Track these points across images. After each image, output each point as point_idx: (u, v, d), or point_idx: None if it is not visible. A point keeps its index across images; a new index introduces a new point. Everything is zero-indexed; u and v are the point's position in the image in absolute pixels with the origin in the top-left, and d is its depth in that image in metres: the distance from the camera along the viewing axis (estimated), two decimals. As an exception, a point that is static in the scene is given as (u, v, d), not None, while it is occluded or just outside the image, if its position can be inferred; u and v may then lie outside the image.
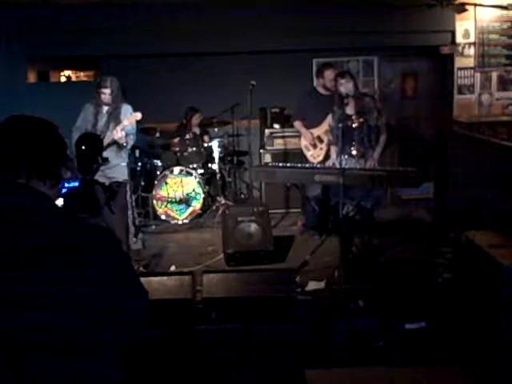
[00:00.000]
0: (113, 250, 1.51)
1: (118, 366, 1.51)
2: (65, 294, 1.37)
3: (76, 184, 2.08)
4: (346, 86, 4.86)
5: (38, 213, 1.45)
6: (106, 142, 4.83)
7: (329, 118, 5.21)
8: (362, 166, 4.91)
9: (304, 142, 5.72)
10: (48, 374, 1.37)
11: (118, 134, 4.75)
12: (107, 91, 4.87)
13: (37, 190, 1.47)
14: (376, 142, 4.97)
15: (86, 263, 1.41)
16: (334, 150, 5.16)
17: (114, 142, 4.86)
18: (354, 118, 4.91)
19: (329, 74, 5.53)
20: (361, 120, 4.91)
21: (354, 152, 4.93)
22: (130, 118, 4.81)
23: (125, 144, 4.89)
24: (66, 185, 2.07)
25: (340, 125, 4.58)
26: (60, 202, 1.91)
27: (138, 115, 4.81)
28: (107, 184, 2.35)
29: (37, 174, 1.48)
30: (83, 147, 2.72)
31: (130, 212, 4.83)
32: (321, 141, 5.55)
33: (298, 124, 5.78)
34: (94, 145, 2.81)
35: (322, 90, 5.67)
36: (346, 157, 4.82)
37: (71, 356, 1.39)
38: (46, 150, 1.51)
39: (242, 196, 7.23)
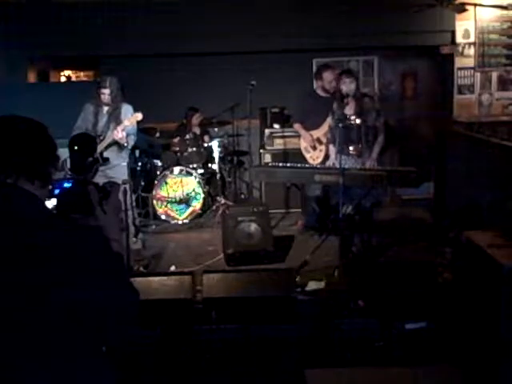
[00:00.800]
0: (101, 249, 1.50)
1: (110, 367, 1.51)
2: (51, 293, 1.37)
3: (69, 184, 2.08)
4: (348, 86, 4.86)
5: (26, 213, 1.44)
6: (106, 142, 4.84)
7: (328, 118, 5.21)
8: (360, 165, 4.92)
9: (304, 144, 5.72)
10: (38, 377, 1.37)
11: (118, 134, 4.75)
12: (106, 91, 4.88)
13: (25, 190, 1.47)
14: (373, 141, 4.98)
15: (74, 263, 1.41)
16: (332, 149, 5.17)
17: (115, 142, 4.86)
18: (352, 118, 4.91)
19: (327, 76, 5.53)
20: (359, 120, 4.91)
21: (352, 152, 4.93)
22: (131, 118, 4.82)
23: (126, 144, 4.90)
24: (61, 185, 2.07)
25: (340, 124, 4.59)
26: (53, 202, 1.91)
27: (139, 116, 4.81)
28: (104, 183, 2.34)
29: (25, 174, 1.48)
30: (76, 147, 2.72)
31: (130, 212, 4.82)
32: (320, 143, 5.55)
33: (297, 126, 5.78)
34: (86, 145, 2.81)
35: (321, 93, 5.66)
36: (344, 156, 4.82)
37: (59, 357, 1.39)
38: (35, 150, 1.51)
39: (242, 196, 7.22)
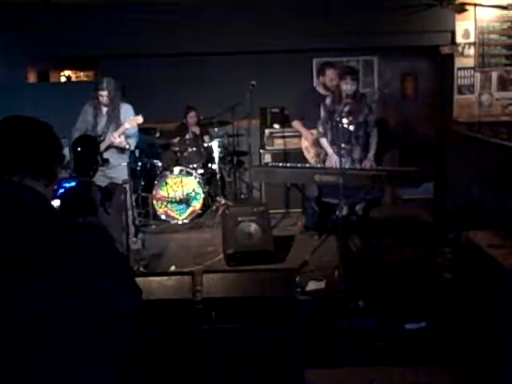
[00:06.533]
0: (105, 247, 1.52)
1: (114, 367, 1.51)
2: (56, 292, 1.37)
3: (73, 185, 2.10)
4: (349, 86, 4.83)
5: (31, 211, 1.45)
6: (107, 143, 4.83)
7: (321, 111, 5.16)
8: (358, 165, 4.88)
9: (305, 144, 5.70)
10: (43, 376, 1.37)
11: (116, 140, 4.75)
12: (104, 93, 4.86)
13: (31, 188, 1.49)
14: (364, 137, 4.92)
15: (78, 261, 1.41)
16: (325, 143, 5.08)
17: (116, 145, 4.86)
18: (344, 116, 4.87)
19: (330, 73, 5.52)
20: (350, 118, 4.87)
21: (343, 150, 4.89)
22: (131, 121, 4.80)
23: (127, 146, 4.90)
24: (65, 185, 2.08)
25: (333, 123, 4.59)
26: (57, 202, 1.92)
27: (140, 119, 4.80)
28: (107, 184, 2.36)
29: (31, 172, 1.49)
30: (79, 149, 2.75)
31: (130, 212, 4.82)
32: (321, 141, 5.53)
33: (296, 124, 5.75)
34: (90, 146, 2.83)
35: (321, 90, 5.65)
36: (337, 156, 4.79)
37: (64, 356, 1.39)
38: (40, 148, 1.53)
39: (242, 196, 7.22)
